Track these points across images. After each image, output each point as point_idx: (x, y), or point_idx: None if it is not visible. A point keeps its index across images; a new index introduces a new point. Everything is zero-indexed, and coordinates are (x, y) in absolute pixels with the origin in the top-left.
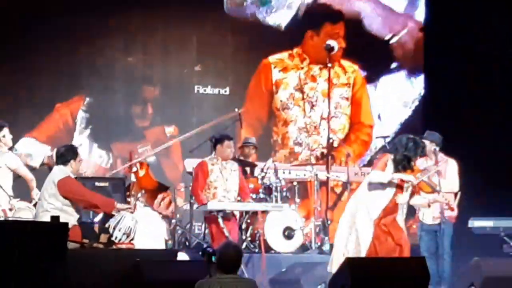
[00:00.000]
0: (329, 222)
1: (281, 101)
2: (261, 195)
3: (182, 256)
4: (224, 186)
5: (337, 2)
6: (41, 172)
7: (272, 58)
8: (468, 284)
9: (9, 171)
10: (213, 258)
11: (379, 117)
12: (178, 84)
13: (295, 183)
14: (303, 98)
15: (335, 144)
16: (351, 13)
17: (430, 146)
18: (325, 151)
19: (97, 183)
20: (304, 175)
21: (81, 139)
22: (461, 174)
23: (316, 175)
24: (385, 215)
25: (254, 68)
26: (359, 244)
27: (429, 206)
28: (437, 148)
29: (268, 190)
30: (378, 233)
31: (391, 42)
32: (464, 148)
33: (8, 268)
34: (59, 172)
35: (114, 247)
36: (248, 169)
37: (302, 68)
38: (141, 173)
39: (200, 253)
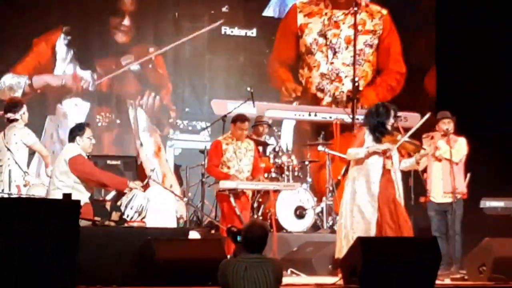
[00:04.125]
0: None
1: (305, 45)
2: (273, 174)
3: (194, 234)
4: (237, 167)
5: None
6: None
7: (299, 3)
8: (479, 264)
9: (25, 147)
10: (238, 238)
11: None
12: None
13: (306, 162)
14: (326, 44)
15: (361, 88)
16: None
17: (449, 125)
18: (350, 94)
19: (109, 161)
20: (330, 117)
21: (63, 67)
22: (473, 154)
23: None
24: (383, 189)
25: None
26: (365, 219)
27: (417, 163)
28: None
29: (280, 169)
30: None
31: None
32: (476, 128)
33: (19, 245)
34: (70, 149)
35: (125, 225)
36: (260, 148)
37: (326, 14)
38: None
39: (226, 232)
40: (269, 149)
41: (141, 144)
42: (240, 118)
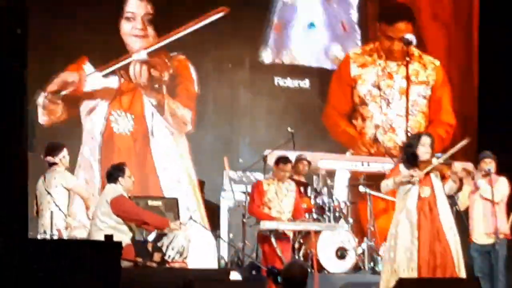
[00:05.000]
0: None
1: (359, 96)
2: (314, 215)
3: (235, 275)
4: (278, 208)
5: None
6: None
7: (352, 53)
8: None
9: (65, 191)
10: (279, 279)
11: None
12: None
13: (348, 203)
14: (380, 95)
15: None
16: None
17: (490, 165)
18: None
19: (150, 203)
20: (383, 167)
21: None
22: None
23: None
24: (423, 218)
25: None
26: (406, 247)
27: (456, 183)
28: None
29: (321, 209)
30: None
31: None
32: None
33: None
34: (112, 190)
35: (167, 266)
36: (301, 188)
37: (379, 64)
38: None
39: (267, 273)
40: (310, 190)
41: (152, 134)
42: (282, 160)
